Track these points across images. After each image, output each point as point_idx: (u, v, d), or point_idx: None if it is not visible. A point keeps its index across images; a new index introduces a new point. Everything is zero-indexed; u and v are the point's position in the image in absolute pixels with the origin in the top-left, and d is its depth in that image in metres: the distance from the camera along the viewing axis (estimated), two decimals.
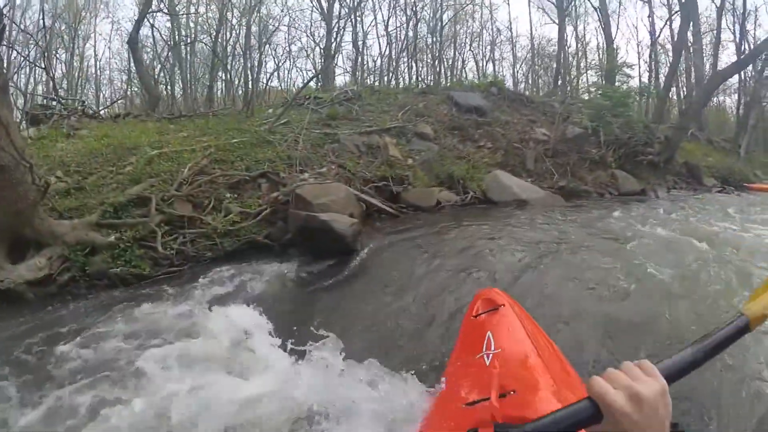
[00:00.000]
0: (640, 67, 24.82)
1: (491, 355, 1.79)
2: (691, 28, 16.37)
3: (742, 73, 22.25)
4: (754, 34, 24.05)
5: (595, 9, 22.31)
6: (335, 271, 4.54)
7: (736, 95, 25.05)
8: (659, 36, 24.35)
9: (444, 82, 19.84)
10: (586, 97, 16.58)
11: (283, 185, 5.99)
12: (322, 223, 4.92)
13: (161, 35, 18.81)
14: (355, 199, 5.89)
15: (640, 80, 22.04)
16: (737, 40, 23.26)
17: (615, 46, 24.34)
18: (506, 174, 8.15)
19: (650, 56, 23.24)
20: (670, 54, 21.72)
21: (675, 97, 23.03)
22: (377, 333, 3.18)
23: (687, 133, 13.82)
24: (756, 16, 28.17)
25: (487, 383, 1.52)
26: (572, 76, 26.15)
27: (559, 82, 23.19)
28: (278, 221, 5.59)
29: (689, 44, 17.32)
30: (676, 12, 22.31)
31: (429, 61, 23.75)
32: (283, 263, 4.81)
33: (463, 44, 25.02)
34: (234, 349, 2.65)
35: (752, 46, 21.83)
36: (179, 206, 5.23)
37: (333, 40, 20.41)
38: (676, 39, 17.95)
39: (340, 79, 22.52)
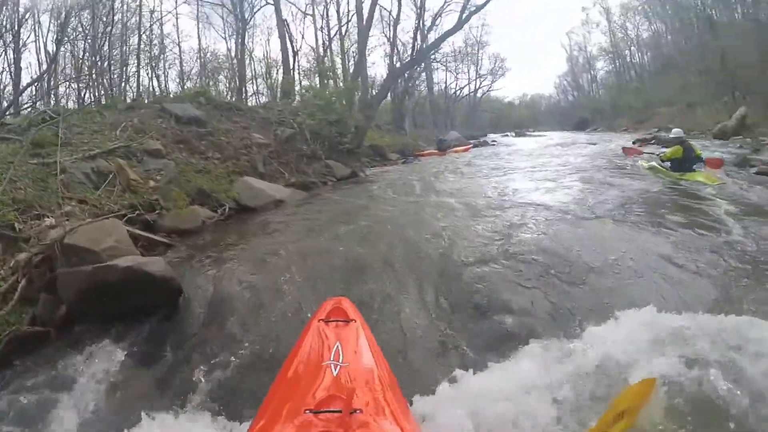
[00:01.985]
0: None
1: (339, 366, 1.82)
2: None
3: None
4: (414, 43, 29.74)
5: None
6: (163, 333, 3.40)
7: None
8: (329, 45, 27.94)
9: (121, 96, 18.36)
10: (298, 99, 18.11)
11: (26, 240, 4.39)
12: (127, 272, 3.55)
13: None
14: (128, 235, 4.88)
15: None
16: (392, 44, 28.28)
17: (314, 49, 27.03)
18: (255, 179, 8.35)
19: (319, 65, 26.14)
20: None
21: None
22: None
23: (371, 122, 16.35)
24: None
25: (335, 395, 1.60)
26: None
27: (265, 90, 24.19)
28: (39, 293, 3.86)
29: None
30: (343, 25, 26.31)
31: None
32: (74, 354, 3.17)
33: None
34: None
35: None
36: None
37: None
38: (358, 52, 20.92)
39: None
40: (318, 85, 18.28)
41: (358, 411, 1.48)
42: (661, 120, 32.65)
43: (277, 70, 29.02)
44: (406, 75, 27.94)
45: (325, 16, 28.94)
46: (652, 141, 18.90)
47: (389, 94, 30.47)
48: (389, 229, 5.55)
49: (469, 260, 4.17)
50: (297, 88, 23.50)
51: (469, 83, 48.53)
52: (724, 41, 28.05)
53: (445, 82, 46.36)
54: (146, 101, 13.42)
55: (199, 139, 9.59)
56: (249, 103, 20.58)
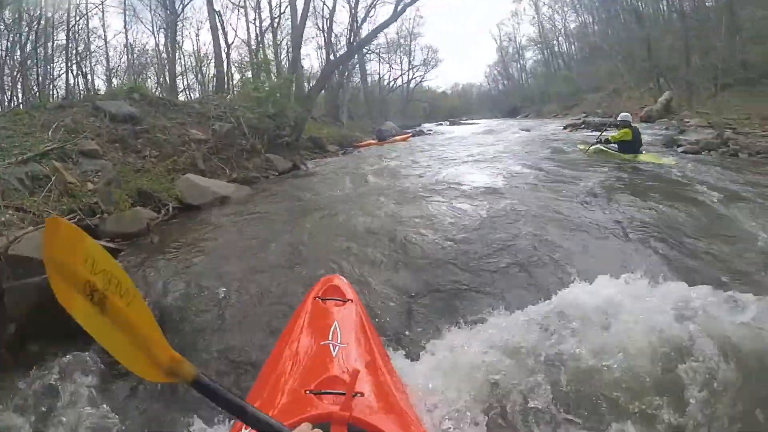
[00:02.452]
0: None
1: (338, 347, 1.77)
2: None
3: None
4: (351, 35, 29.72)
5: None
6: None
7: None
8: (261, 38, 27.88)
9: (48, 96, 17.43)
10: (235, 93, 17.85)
11: None
12: None
13: None
14: None
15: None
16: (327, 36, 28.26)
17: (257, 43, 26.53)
18: (198, 176, 8.22)
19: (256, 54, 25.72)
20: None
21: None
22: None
23: (309, 114, 16.39)
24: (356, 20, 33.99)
25: (337, 377, 1.55)
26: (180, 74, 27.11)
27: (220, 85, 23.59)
28: None
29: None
30: (276, 17, 26.08)
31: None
32: (27, 378, 2.83)
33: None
34: None
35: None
36: None
37: None
38: (292, 39, 20.96)
39: None
40: (252, 79, 18.03)
41: (359, 394, 1.45)
42: (588, 105, 34.58)
43: (208, 64, 28.48)
44: (340, 66, 28.08)
45: (257, 8, 28.51)
46: (582, 125, 20.01)
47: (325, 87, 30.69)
48: (341, 219, 5.73)
49: (426, 248, 4.39)
50: (235, 80, 23.21)
51: (402, 74, 49.20)
52: (650, 31, 29.99)
53: (379, 73, 46.78)
54: (77, 99, 12.86)
55: (135, 137, 9.38)
56: (181, 99, 20.05)
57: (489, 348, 2.35)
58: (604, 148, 9.96)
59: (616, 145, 9.55)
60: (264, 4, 28.43)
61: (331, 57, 23.24)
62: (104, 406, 2.61)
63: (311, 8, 29.54)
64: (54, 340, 3.15)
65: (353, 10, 27.83)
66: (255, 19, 28.59)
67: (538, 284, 3.49)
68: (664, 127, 17.00)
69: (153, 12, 26.36)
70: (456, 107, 63.75)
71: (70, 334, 2.97)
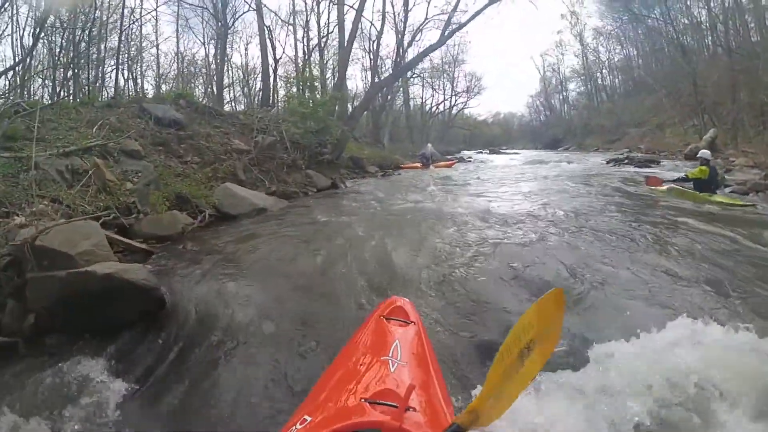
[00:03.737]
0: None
1: (397, 364, 1.82)
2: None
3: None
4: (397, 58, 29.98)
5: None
6: (144, 347, 3.11)
7: None
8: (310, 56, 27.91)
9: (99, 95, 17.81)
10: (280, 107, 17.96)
11: None
12: (107, 279, 3.26)
13: None
14: (106, 239, 4.48)
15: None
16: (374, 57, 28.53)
17: (304, 60, 26.98)
18: (237, 186, 8.03)
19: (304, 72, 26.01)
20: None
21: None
22: None
23: (351, 134, 16.22)
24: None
25: (392, 390, 1.60)
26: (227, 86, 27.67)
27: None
28: (5, 299, 3.53)
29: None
30: (324, 37, 26.50)
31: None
32: (44, 369, 2.80)
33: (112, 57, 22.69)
34: None
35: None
36: None
37: None
38: (340, 61, 20.73)
39: None
40: (297, 94, 18.09)
41: (412, 409, 1.48)
42: (630, 140, 33.73)
43: (255, 78, 28.91)
44: (384, 89, 28.14)
45: (306, 27, 28.90)
46: (625, 161, 19.37)
47: (370, 109, 30.85)
48: (375, 242, 5.38)
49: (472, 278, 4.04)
50: (280, 95, 23.41)
51: (445, 99, 49.06)
52: (696, 66, 29.19)
53: (422, 98, 46.79)
54: (125, 100, 12.99)
55: (178, 142, 9.34)
56: (227, 110, 20.29)
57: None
58: (677, 186, 9.34)
59: (691, 183, 8.98)
60: (313, 23, 28.69)
61: (376, 79, 23.21)
62: (117, 403, 2.57)
63: (359, 29, 30.14)
64: (73, 335, 3.14)
65: (400, 34, 27.95)
66: (303, 37, 28.93)
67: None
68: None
69: (205, 23, 26.91)
70: (496, 136, 63.21)
71: (91, 330, 3.16)
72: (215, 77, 25.98)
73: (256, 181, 9.50)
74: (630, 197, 8.93)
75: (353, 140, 21.88)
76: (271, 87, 23.77)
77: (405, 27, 28.10)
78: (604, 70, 57.51)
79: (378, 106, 29.33)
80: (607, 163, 20.00)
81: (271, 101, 21.98)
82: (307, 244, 5.42)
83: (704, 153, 9.31)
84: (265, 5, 23.88)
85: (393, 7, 28.83)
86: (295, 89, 17.88)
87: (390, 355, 1.87)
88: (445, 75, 46.31)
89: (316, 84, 22.05)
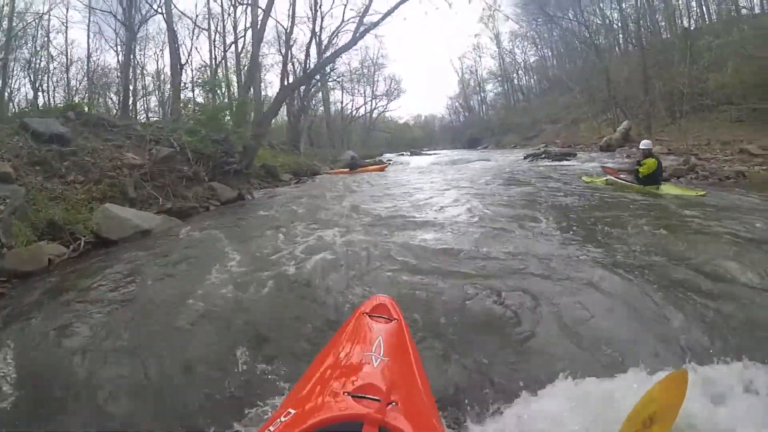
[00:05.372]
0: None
1: (379, 359, 1.87)
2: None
3: None
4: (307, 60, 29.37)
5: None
6: None
7: (285, 106, 30.62)
8: (221, 60, 27.26)
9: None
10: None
11: None
12: None
13: None
14: None
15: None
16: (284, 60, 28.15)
17: (208, 64, 25.92)
18: (117, 206, 7.30)
19: (212, 77, 25.05)
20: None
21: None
22: None
23: (262, 140, 15.74)
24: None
25: (375, 384, 1.63)
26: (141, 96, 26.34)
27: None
28: None
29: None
30: (233, 42, 25.63)
31: None
32: None
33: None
34: None
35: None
36: None
37: None
38: (249, 61, 19.96)
39: None
40: (208, 101, 17.33)
41: (394, 403, 1.51)
42: (547, 136, 35.48)
43: (166, 85, 27.67)
44: (301, 93, 27.74)
45: (222, 31, 27.93)
46: (543, 156, 20.17)
47: (286, 114, 30.29)
48: (271, 262, 4.90)
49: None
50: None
51: (365, 103, 49.33)
52: (608, 63, 31.33)
53: (341, 102, 46.77)
54: (7, 116, 11.88)
55: (60, 160, 8.56)
56: (142, 120, 19.28)
57: None
58: (616, 180, 9.09)
59: (631, 176, 8.65)
60: (229, 27, 27.81)
61: (286, 82, 22.76)
62: None
63: (275, 33, 29.54)
64: None
65: (317, 38, 27.73)
66: (220, 42, 28.06)
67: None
68: (625, 155, 17.21)
69: (118, 29, 25.41)
70: (418, 138, 64.61)
71: None
72: (121, 86, 24.53)
73: (149, 198, 8.87)
74: (568, 194, 8.52)
75: (268, 147, 21.40)
76: (179, 94, 22.79)
77: (315, 26, 28.04)
78: (520, 71, 60.93)
79: (295, 111, 28.91)
80: (525, 158, 20.75)
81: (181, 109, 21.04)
82: (178, 272, 4.85)
83: (646, 144, 8.90)
84: (178, 9, 23.01)
85: (312, 10, 28.48)
86: (201, 97, 17.23)
87: (373, 350, 1.92)
88: (365, 79, 46.65)
89: (232, 90, 21.40)
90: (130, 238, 6.51)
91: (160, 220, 7.43)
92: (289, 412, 1.51)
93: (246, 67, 21.59)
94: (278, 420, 1.48)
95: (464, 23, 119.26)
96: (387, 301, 2.46)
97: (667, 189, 8.16)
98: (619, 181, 9.01)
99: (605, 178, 9.48)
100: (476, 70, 65.65)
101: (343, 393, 1.57)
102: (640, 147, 9.01)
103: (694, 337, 2.85)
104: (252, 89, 22.45)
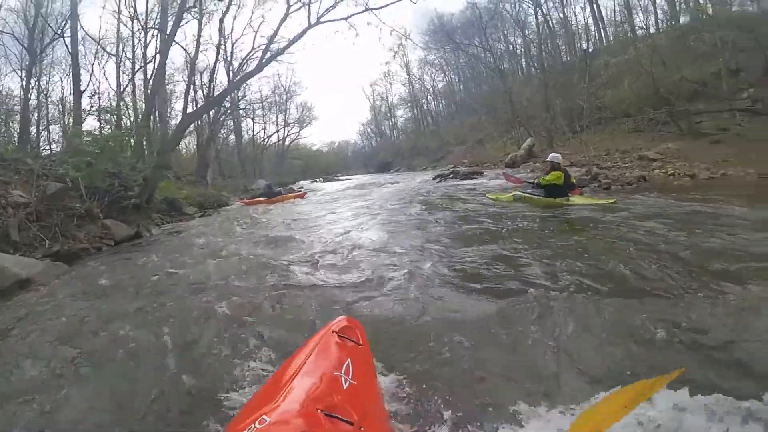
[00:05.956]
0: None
1: (349, 382, 1.87)
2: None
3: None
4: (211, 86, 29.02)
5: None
6: None
7: (195, 135, 29.72)
8: (126, 86, 25.99)
9: None
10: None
11: None
12: None
13: None
14: None
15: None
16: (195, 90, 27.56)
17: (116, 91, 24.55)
18: None
19: (117, 105, 23.82)
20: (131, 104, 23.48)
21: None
22: None
23: (163, 172, 15.18)
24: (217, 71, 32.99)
25: (345, 406, 1.64)
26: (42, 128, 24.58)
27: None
28: None
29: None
30: (141, 66, 24.64)
31: None
32: None
33: None
34: None
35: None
36: None
37: None
38: (151, 88, 19.24)
39: None
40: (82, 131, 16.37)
41: (361, 429, 1.54)
42: (455, 158, 37.24)
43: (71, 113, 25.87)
44: (209, 119, 27.20)
45: (132, 58, 26.67)
46: (450, 176, 20.82)
47: (196, 144, 29.47)
48: (168, 309, 4.45)
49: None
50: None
51: (277, 131, 49.14)
52: (511, 85, 34.15)
53: (253, 131, 46.33)
54: None
55: None
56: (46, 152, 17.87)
57: None
58: (525, 195, 8.94)
59: (542, 191, 8.53)
60: (139, 52, 26.60)
61: (189, 110, 22.25)
62: None
63: (184, 62, 28.83)
64: None
65: (227, 65, 27.45)
66: (126, 67, 26.75)
67: None
68: (529, 170, 18.23)
69: (23, 56, 23.31)
70: (332, 164, 65.21)
71: None
72: (21, 115, 22.52)
73: (34, 241, 8.26)
74: (471, 212, 8.53)
75: (174, 179, 20.63)
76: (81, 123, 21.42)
77: (231, 56, 27.78)
78: (429, 96, 63.90)
79: (204, 140, 28.21)
80: (434, 178, 21.36)
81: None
82: (56, 329, 4.16)
83: (555, 156, 8.82)
84: (85, 31, 21.80)
85: (219, 36, 28.04)
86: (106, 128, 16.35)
87: (342, 371, 1.93)
88: (276, 106, 46.61)
89: (131, 118, 20.46)
90: (9, 290, 5.76)
91: (42, 267, 6.74)
92: (264, 419, 1.49)
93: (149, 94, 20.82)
94: (252, 426, 1.47)
95: (375, 52, 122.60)
96: (355, 325, 2.48)
97: (577, 200, 8.21)
98: (526, 195, 8.94)
99: (512, 194, 9.34)
100: (387, 97, 67.96)
101: (317, 410, 1.58)
102: (548, 160, 8.94)
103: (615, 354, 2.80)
104: (158, 118, 21.81)
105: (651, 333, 2.95)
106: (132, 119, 20.45)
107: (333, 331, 2.29)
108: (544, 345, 3.01)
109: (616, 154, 17.43)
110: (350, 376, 1.92)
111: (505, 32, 45.52)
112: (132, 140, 17.18)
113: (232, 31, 28.75)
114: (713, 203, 7.18)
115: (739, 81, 19.55)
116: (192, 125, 28.41)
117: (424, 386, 2.64)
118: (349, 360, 2.04)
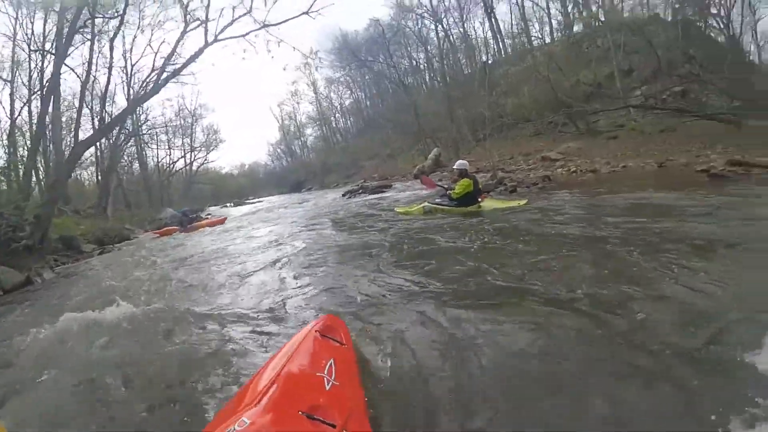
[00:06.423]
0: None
1: (332, 383, 1.83)
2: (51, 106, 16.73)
3: (98, 145, 25.30)
4: (111, 111, 27.76)
5: None
6: None
7: (94, 167, 27.90)
8: (20, 113, 23.72)
9: None
10: None
11: None
12: None
13: None
14: None
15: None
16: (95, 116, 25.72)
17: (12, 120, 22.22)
18: None
19: (9, 137, 21.92)
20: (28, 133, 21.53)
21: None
22: None
23: (55, 207, 13.92)
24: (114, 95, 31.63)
25: (327, 408, 1.61)
26: None
27: None
28: None
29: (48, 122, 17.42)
30: (36, 93, 22.45)
31: None
32: None
33: None
34: None
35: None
36: None
37: None
38: (38, 117, 17.84)
39: None
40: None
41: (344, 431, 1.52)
42: (366, 172, 37.91)
43: None
44: (109, 146, 25.60)
45: (27, 82, 23.80)
46: (360, 191, 20.65)
47: (95, 175, 27.52)
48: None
49: None
50: None
51: (183, 156, 46.93)
52: (415, 98, 35.44)
53: (157, 157, 43.94)
54: None
55: None
56: None
57: None
58: (434, 205, 8.57)
59: (455, 201, 8.15)
60: (36, 77, 23.90)
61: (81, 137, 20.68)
62: None
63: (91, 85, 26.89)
64: None
65: (126, 88, 26.00)
66: (13, 94, 24.06)
67: None
68: (437, 179, 18.42)
69: None
70: (243, 187, 63.55)
71: None
72: None
73: None
74: (377, 229, 8.05)
75: (73, 213, 19.08)
76: None
77: (131, 78, 26.39)
78: (337, 114, 64.47)
79: (105, 170, 26.42)
80: (343, 195, 20.78)
81: None
82: None
83: (460, 164, 8.58)
84: None
85: (114, 61, 26.35)
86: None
87: (325, 372, 1.89)
88: (181, 130, 44.77)
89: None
90: None
91: None
92: (244, 422, 1.46)
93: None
94: (232, 428, 1.44)
95: (282, 72, 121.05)
96: (338, 324, 2.47)
97: (489, 204, 8.02)
98: (436, 205, 8.59)
99: (422, 206, 8.90)
100: (295, 116, 67.63)
101: (299, 412, 1.55)
102: (455, 167, 8.66)
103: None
104: (53, 147, 19.74)
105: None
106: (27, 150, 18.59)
107: (315, 331, 2.26)
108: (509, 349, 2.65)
109: (519, 158, 18.44)
110: (333, 377, 1.89)
111: (408, 48, 47.54)
112: (20, 173, 15.68)
113: (130, 53, 26.91)
114: (617, 193, 7.69)
115: (632, 80, 21.54)
116: (91, 154, 26.58)
117: (410, 387, 2.39)
118: (332, 360, 2.01)
